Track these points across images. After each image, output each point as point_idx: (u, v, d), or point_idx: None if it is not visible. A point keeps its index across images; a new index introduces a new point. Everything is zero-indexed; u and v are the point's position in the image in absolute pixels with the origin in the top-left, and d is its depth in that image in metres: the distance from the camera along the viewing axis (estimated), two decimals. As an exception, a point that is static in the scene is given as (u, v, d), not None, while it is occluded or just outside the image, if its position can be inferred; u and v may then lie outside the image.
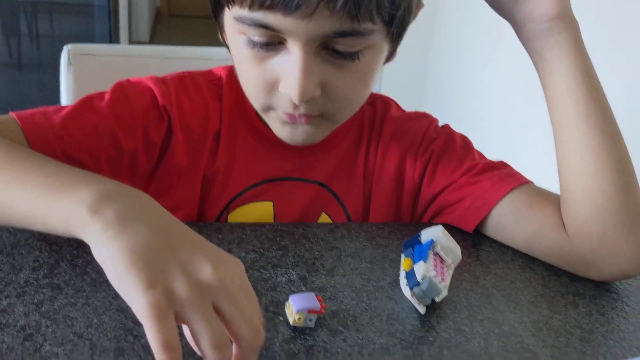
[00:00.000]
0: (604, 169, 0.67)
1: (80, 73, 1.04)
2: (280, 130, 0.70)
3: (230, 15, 0.64)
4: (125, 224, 0.44)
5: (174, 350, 0.40)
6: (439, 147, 0.79)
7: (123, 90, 0.73)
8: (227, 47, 0.71)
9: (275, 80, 0.64)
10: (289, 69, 0.62)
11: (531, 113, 2.05)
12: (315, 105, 0.65)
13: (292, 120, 0.67)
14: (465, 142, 0.81)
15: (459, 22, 2.64)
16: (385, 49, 0.67)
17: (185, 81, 0.77)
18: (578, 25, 0.69)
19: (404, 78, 2.81)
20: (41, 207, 0.52)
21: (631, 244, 0.67)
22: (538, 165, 1.91)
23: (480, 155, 0.81)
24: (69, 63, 1.04)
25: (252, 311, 0.45)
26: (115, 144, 0.70)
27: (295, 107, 0.65)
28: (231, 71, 0.79)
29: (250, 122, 0.77)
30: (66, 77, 1.05)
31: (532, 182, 0.76)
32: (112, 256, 0.43)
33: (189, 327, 0.42)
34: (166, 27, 5.36)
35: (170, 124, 0.74)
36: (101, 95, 0.72)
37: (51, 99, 1.04)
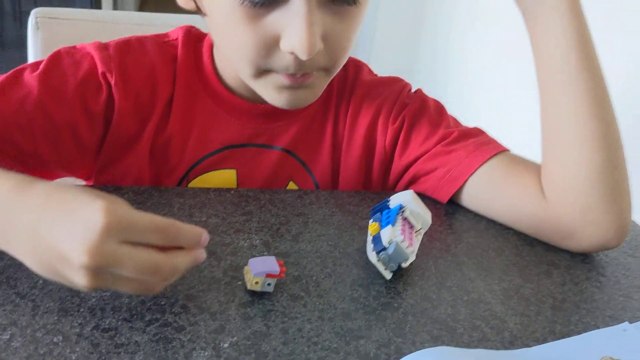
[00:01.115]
0: (592, 138, 0.64)
1: (48, 38, 1.00)
2: (277, 96, 0.65)
3: None
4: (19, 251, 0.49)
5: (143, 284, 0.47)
6: (412, 113, 0.76)
7: (59, 60, 0.69)
8: (200, 11, 0.66)
9: (275, 38, 0.60)
10: (292, 23, 0.57)
11: (521, 86, 2.03)
12: (317, 60, 0.61)
13: (293, 82, 0.63)
14: (439, 108, 0.78)
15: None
16: None
17: (130, 44, 0.72)
18: None
19: (396, 53, 2.78)
20: None
21: (613, 215, 0.65)
22: (525, 138, 1.90)
23: (455, 121, 0.78)
24: (37, 27, 1.00)
25: (138, 259, 0.45)
26: (49, 118, 0.66)
27: (299, 66, 0.61)
28: (188, 31, 0.75)
29: (209, 84, 0.74)
30: (33, 43, 1.01)
31: (509, 150, 0.73)
32: None
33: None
34: (153, 6, 5.29)
35: (110, 92, 0.69)
36: (36, 65, 0.68)
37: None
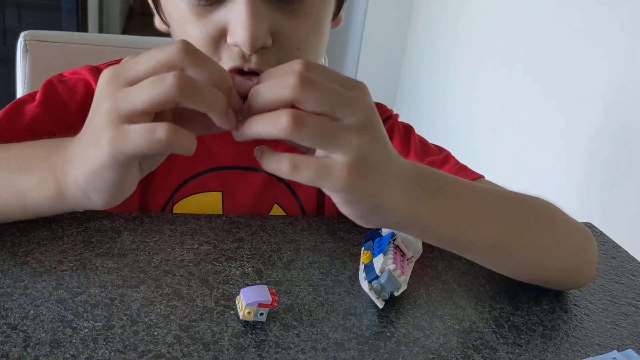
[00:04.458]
0: (526, 274, 0.64)
1: (36, 61, 1.00)
2: None
3: None
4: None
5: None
6: None
7: (53, 88, 0.70)
8: (164, 22, 0.68)
9: (221, 33, 0.60)
10: (235, 16, 0.57)
11: (503, 113, 2.05)
12: (267, 57, 0.60)
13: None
14: (407, 132, 0.79)
15: (434, 24, 2.65)
16: (331, 0, 0.65)
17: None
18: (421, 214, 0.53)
19: (379, 77, 2.81)
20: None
21: (570, 283, 0.66)
22: (506, 161, 1.92)
23: (422, 143, 0.78)
24: (25, 50, 1.00)
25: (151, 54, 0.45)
26: None
27: (245, 59, 0.60)
28: None
29: None
30: (22, 65, 1.00)
31: (482, 177, 0.73)
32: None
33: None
34: (139, 26, 5.29)
35: None
36: (32, 96, 0.69)
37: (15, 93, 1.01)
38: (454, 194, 0.57)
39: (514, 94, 1.92)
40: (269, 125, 0.44)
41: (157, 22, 0.70)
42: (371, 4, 2.76)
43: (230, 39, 0.59)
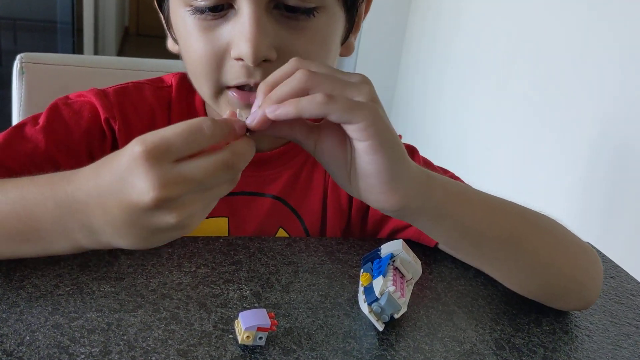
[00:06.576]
0: (528, 281, 0.65)
1: (32, 83, 1.00)
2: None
3: None
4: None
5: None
6: None
7: (58, 111, 0.69)
8: (174, 39, 0.68)
9: (226, 48, 0.60)
10: (239, 29, 0.58)
11: (497, 132, 2.06)
12: (271, 71, 0.57)
13: (243, 99, 0.62)
14: (411, 155, 0.79)
15: (428, 45, 2.66)
16: (339, 19, 0.64)
17: (128, 90, 0.73)
18: (432, 204, 0.55)
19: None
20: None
21: (576, 300, 0.66)
22: (504, 176, 1.92)
23: (427, 164, 0.78)
24: (21, 72, 1.00)
25: (204, 164, 0.45)
26: (58, 170, 0.66)
27: (249, 74, 0.60)
28: (182, 78, 0.76)
29: None
30: (18, 87, 1.00)
31: None
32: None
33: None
34: (134, 47, 5.30)
35: (115, 138, 0.70)
36: (35, 119, 0.69)
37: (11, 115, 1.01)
38: (462, 185, 0.60)
39: (508, 114, 1.93)
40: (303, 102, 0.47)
41: (170, 44, 0.71)
42: (365, 25, 2.78)
43: (234, 52, 0.59)
